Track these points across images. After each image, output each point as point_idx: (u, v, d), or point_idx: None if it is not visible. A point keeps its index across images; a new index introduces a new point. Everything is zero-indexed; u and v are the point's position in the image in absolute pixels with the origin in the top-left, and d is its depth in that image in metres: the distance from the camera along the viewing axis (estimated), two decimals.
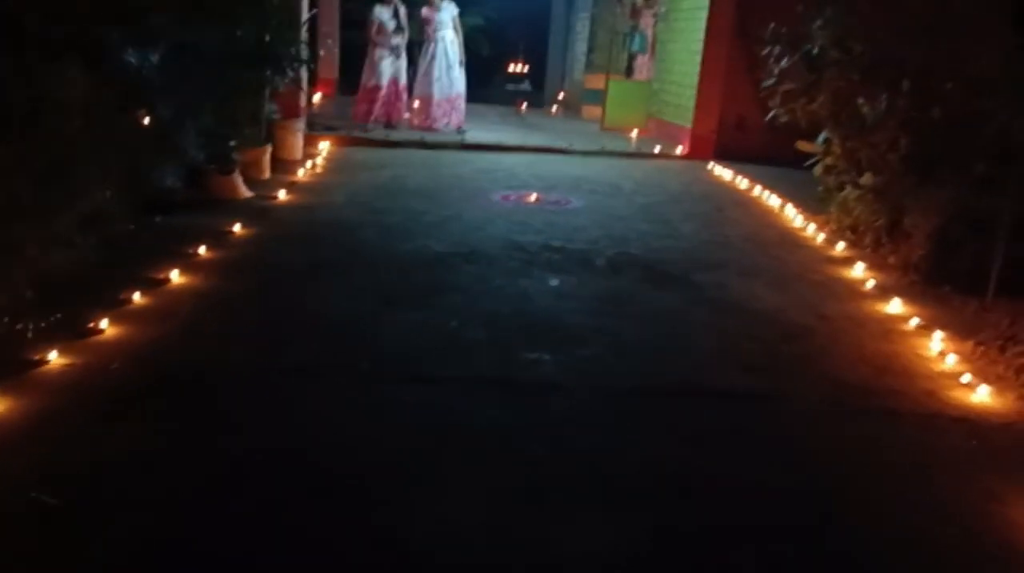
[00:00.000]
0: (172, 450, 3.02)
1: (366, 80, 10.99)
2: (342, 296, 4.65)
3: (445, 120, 11.21)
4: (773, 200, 8.01)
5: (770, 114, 7.40)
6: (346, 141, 9.97)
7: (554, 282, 5.10)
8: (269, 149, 7.88)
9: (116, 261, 4.97)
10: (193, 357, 3.76)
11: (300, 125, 8.96)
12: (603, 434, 3.31)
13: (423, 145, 10.15)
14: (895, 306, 4.96)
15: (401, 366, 3.80)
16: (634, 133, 11.97)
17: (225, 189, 6.86)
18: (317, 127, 10.32)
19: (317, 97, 13.21)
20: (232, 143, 7.17)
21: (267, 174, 7.88)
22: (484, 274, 5.19)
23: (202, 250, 5.31)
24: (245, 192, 7.01)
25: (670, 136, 11.34)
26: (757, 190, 8.48)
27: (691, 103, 10.65)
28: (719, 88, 10.36)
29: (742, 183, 8.92)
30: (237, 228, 5.90)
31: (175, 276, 4.78)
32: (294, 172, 8.09)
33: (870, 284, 5.41)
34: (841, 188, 6.70)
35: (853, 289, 5.38)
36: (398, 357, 3.90)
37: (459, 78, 11.26)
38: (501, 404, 3.48)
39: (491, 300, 4.72)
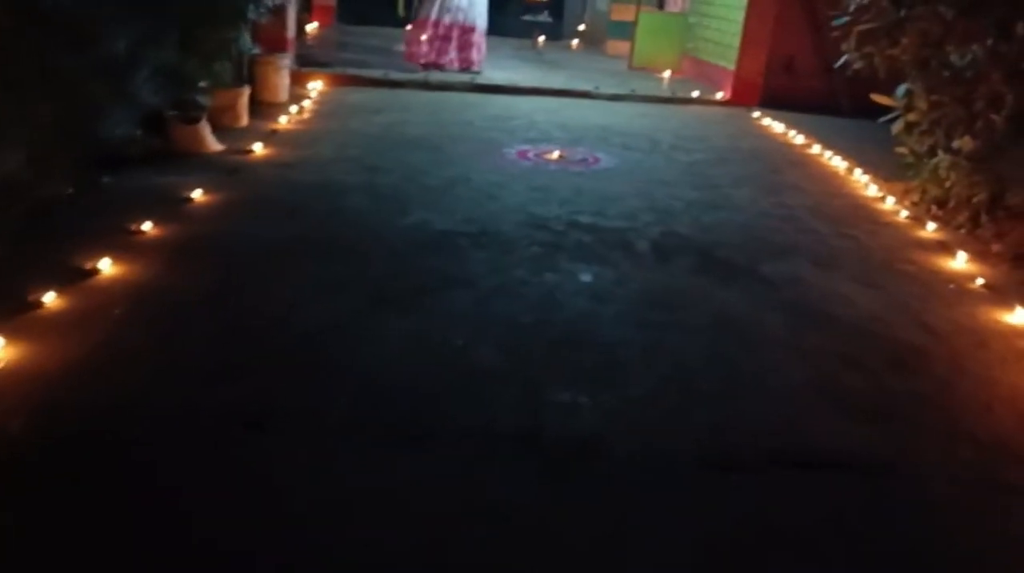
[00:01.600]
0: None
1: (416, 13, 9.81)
2: (317, 294, 3.61)
3: (459, 56, 9.95)
4: (836, 161, 6.84)
5: (841, 59, 6.19)
6: (340, 79, 8.78)
7: (587, 277, 4.03)
8: (247, 91, 6.73)
9: (37, 240, 3.94)
10: (114, 400, 2.74)
11: (285, 62, 7.78)
12: (672, 548, 2.30)
13: (426, 86, 8.95)
14: (1020, 316, 3.89)
15: (385, 411, 2.78)
16: (666, 74, 10.71)
17: (190, 141, 5.76)
18: (309, 63, 9.11)
19: (312, 27, 11.93)
20: (201, 84, 6.04)
21: (244, 121, 6.75)
22: (498, 263, 4.12)
23: (148, 226, 4.26)
24: (214, 145, 5.90)
25: (709, 78, 10.09)
26: (816, 148, 7.29)
27: (735, 41, 9.37)
28: (769, 24, 9.07)
29: (796, 138, 7.73)
30: (198, 194, 4.82)
31: (106, 266, 3.73)
32: (277, 118, 6.94)
33: (978, 282, 4.33)
34: (932, 153, 5.54)
35: (959, 288, 4.30)
36: (382, 396, 2.86)
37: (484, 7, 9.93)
38: (522, 482, 2.47)
39: (507, 302, 3.66)
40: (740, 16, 9.25)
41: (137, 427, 2.60)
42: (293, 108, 7.32)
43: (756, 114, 8.92)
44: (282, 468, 2.47)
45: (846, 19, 6.08)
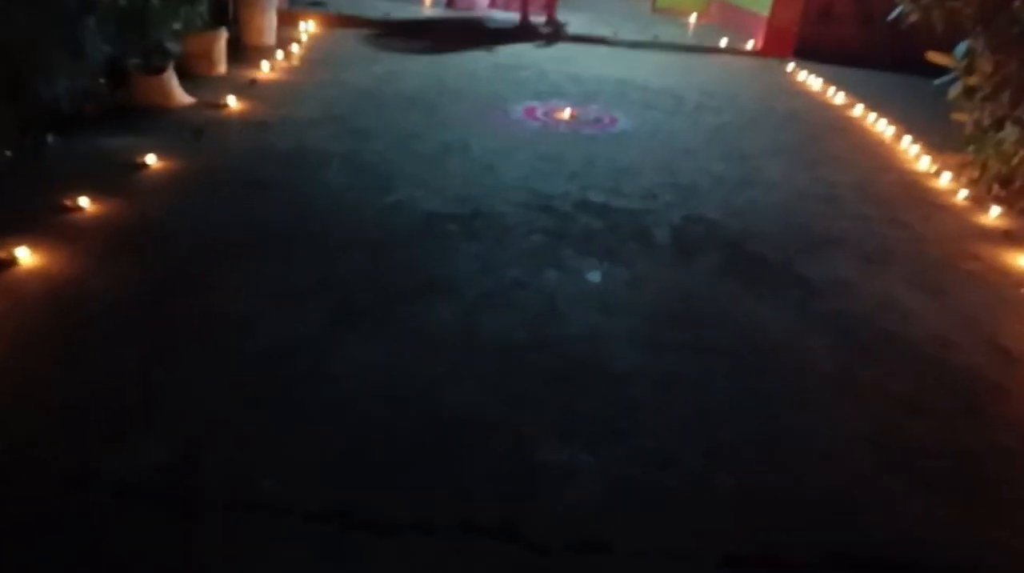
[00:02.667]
0: None
1: None
2: (271, 306, 3.01)
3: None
4: (882, 127, 6.10)
5: (895, 11, 5.41)
6: (336, 21, 8.03)
7: (595, 277, 3.41)
8: (224, 35, 6.03)
9: None
10: None
11: (273, 1, 7.03)
12: None
13: (432, 33, 8.17)
14: None
15: (330, 487, 2.20)
16: (692, 18, 9.88)
17: (154, 94, 5.10)
18: (301, 2, 8.34)
19: None
20: (175, 27, 5.36)
21: (222, 68, 6.06)
22: (490, 258, 3.50)
23: (85, 202, 3.65)
24: (182, 98, 5.24)
25: (738, 25, 9.24)
26: (858, 109, 6.54)
27: None
28: None
29: (836, 96, 6.96)
30: (152, 160, 4.20)
31: (23, 255, 3.15)
32: (259, 65, 6.25)
33: None
34: (998, 125, 4.82)
35: None
36: (328, 463, 2.29)
37: None
38: None
39: (498, 316, 3.05)
40: None
41: (11, 499, 2.05)
42: (279, 54, 6.61)
43: (790, 67, 8.12)
44: (201, 561, 1.91)
45: None
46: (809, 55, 8.36)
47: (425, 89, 6.16)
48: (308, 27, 7.80)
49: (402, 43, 7.64)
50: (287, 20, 7.75)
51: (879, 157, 5.46)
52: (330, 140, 4.81)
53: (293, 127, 5.01)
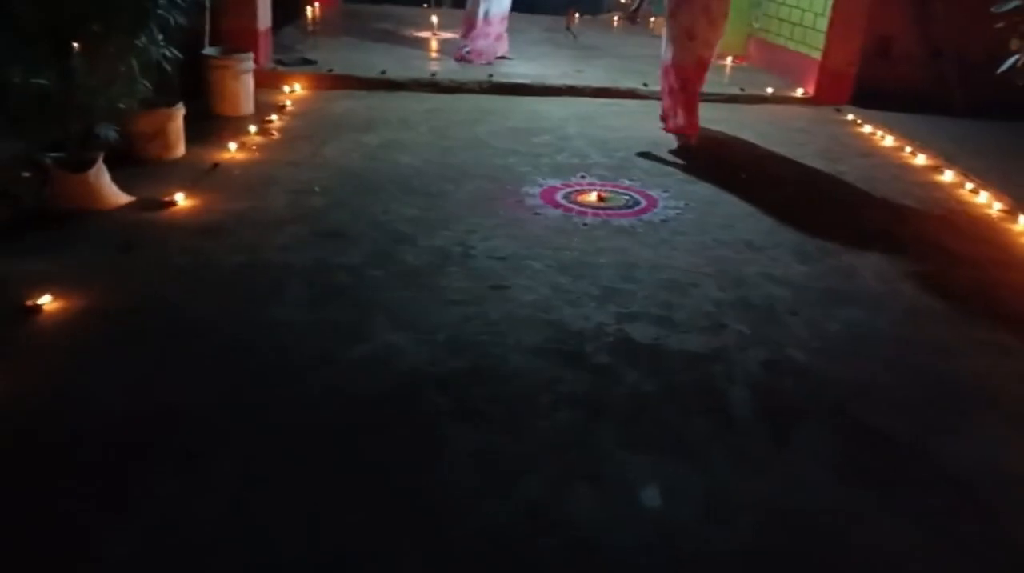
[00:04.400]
0: None
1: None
2: None
3: (498, 49, 8.22)
4: (982, 197, 4.96)
5: (1008, 61, 4.30)
6: (325, 81, 7.04)
7: (651, 496, 2.29)
8: (180, 111, 5.03)
9: None
10: None
11: (246, 64, 6.05)
12: None
13: (434, 86, 7.16)
14: None
15: None
16: (728, 60, 8.81)
17: (78, 194, 4.09)
18: (291, 61, 7.38)
19: (312, 10, 10.21)
20: (119, 106, 4.36)
21: (179, 150, 5.06)
22: (494, 461, 2.39)
23: None
24: (116, 197, 4.22)
25: (783, 68, 8.15)
26: (947, 175, 5.39)
27: (818, 21, 7.42)
28: None
29: (915, 156, 5.82)
30: (45, 300, 3.16)
31: None
32: (227, 143, 5.24)
33: None
34: None
35: None
36: None
37: None
38: None
39: None
40: None
41: None
42: (251, 128, 5.60)
43: (850, 116, 7.01)
44: None
45: (1015, 3, 4.19)
46: (868, 101, 7.24)
47: (424, 166, 5.12)
48: (294, 90, 6.82)
49: (401, 106, 6.63)
50: (269, 82, 6.78)
51: (994, 245, 4.31)
52: (294, 249, 3.76)
53: (251, 230, 3.96)
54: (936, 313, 3.48)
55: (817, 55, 7.42)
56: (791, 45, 7.97)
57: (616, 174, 5.17)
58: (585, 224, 4.30)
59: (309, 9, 10.36)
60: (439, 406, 2.62)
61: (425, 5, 12.38)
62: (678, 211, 4.56)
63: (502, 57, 8.13)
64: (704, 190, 4.94)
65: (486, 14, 7.95)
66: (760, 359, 3.00)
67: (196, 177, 4.65)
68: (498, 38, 8.18)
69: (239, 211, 4.21)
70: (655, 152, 5.68)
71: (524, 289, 3.48)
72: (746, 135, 6.27)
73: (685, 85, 5.61)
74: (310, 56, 7.59)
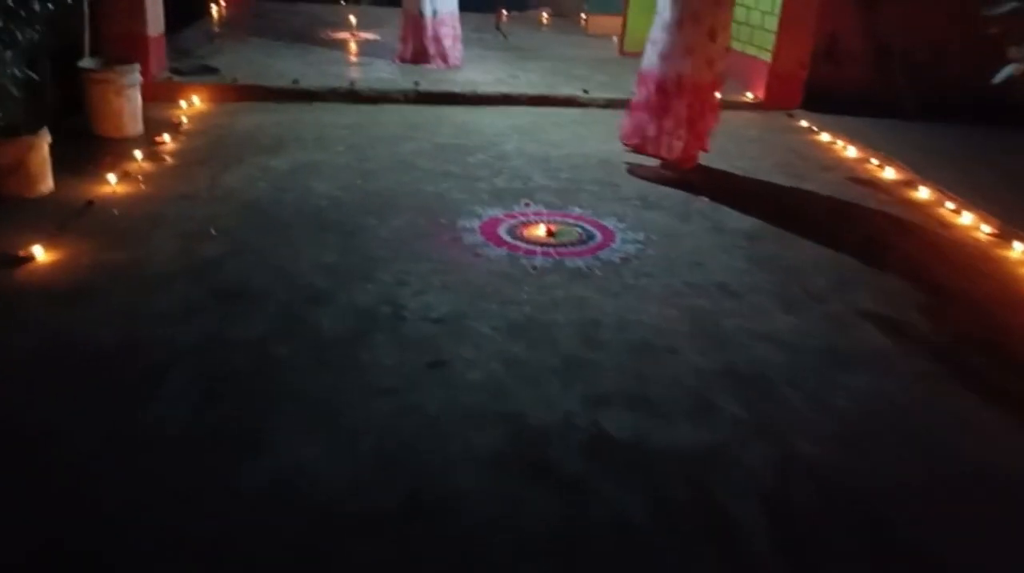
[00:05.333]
0: None
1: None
2: None
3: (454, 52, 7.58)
4: (964, 217, 4.52)
5: (1003, 72, 3.84)
6: (230, 93, 6.23)
7: None
8: (43, 138, 4.20)
9: None
10: None
11: (131, 77, 5.22)
12: None
13: (353, 96, 6.43)
14: None
15: None
16: None
17: None
18: (189, 70, 6.53)
19: (216, 9, 9.33)
20: None
21: (46, 185, 4.24)
22: None
23: None
24: None
25: (730, 69, 7.64)
26: (922, 191, 4.95)
27: (767, 19, 6.96)
28: None
29: (883, 170, 5.37)
30: None
31: None
32: (107, 171, 4.42)
33: None
34: None
35: None
36: None
37: None
38: None
39: None
40: None
41: None
42: (137, 153, 4.78)
43: (803, 122, 6.56)
44: None
45: (1011, 6, 3.73)
46: (817, 104, 6.82)
47: (342, 195, 4.41)
48: (192, 103, 6.00)
49: (316, 120, 5.88)
50: (163, 95, 5.95)
51: (993, 279, 3.85)
52: (180, 319, 3.02)
53: (126, 293, 3.21)
54: (948, 375, 2.96)
55: (766, 57, 6.95)
56: (737, 46, 7.46)
57: (564, 200, 4.56)
58: (535, 267, 3.67)
59: (214, 8, 9.47)
60: (363, 568, 1.96)
61: (343, 2, 11.56)
62: (638, 246, 3.97)
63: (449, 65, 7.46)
64: (663, 218, 4.37)
65: (434, 13, 7.27)
66: (765, 457, 2.42)
67: (63, 219, 3.86)
68: (455, 39, 7.51)
69: (113, 265, 3.44)
70: (605, 172, 5.08)
71: (469, 364, 2.83)
72: None
73: (703, 104, 4.90)
74: (212, 63, 6.77)
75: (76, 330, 2.91)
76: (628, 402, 2.65)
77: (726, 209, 4.57)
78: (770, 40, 6.87)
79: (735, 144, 5.83)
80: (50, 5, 4.23)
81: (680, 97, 4.88)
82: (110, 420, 2.43)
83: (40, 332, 2.90)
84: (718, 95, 5.07)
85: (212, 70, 6.58)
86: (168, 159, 4.86)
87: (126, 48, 5.67)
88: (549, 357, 2.89)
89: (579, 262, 3.75)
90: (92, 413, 2.46)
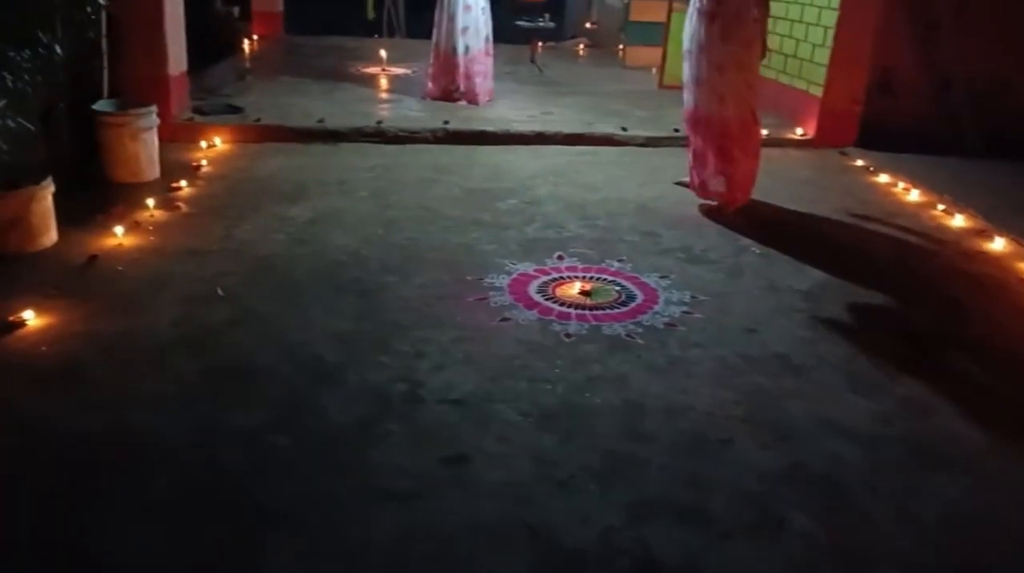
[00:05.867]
0: None
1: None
2: None
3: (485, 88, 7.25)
4: None
5: None
6: (252, 134, 5.99)
7: None
8: (46, 190, 3.94)
9: None
10: None
11: (146, 120, 4.99)
12: None
13: (380, 136, 6.15)
14: None
15: None
16: None
17: None
18: (212, 109, 6.32)
19: (248, 44, 9.19)
20: None
21: (48, 238, 3.98)
22: None
23: None
24: None
25: (773, 104, 7.24)
26: (999, 242, 4.49)
27: (817, 52, 6.55)
28: (871, 29, 6.27)
29: (953, 217, 4.91)
30: None
31: None
32: (116, 222, 4.16)
33: None
34: None
35: None
36: None
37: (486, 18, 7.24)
38: None
39: None
40: (826, 17, 6.43)
41: None
42: (150, 201, 4.53)
43: (859, 161, 6.13)
44: None
45: None
46: (872, 141, 6.39)
47: (361, 249, 4.09)
48: (213, 144, 5.76)
49: (340, 163, 5.61)
50: (185, 136, 5.73)
51: None
52: (171, 405, 2.70)
53: (117, 371, 2.90)
54: None
55: (816, 91, 6.54)
56: (783, 79, 7.09)
57: (600, 251, 4.20)
58: (569, 335, 3.30)
59: (246, 43, 9.34)
60: None
61: (376, 36, 11.40)
62: (684, 309, 3.58)
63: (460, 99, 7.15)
64: (710, 274, 3.98)
65: (467, 50, 6.99)
66: None
67: (62, 278, 3.59)
68: (485, 76, 7.20)
69: (108, 336, 3.14)
70: (644, 219, 4.71)
71: (492, 462, 2.46)
72: None
73: (723, 139, 4.70)
74: (237, 102, 6.55)
75: (55, 419, 2.60)
76: (677, 514, 2.25)
77: (780, 263, 4.17)
78: (821, 74, 6.46)
79: (785, 186, 5.43)
80: (58, 49, 4.01)
81: (695, 129, 4.81)
82: (71, 535, 2.10)
83: (17, 418, 2.60)
84: (757, 135, 4.77)
85: (236, 109, 6.36)
86: (182, 206, 4.59)
87: (145, 89, 5.45)
88: (585, 454, 2.51)
89: (618, 328, 3.37)
90: (52, 526, 2.13)
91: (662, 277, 3.91)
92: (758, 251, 4.29)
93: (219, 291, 3.55)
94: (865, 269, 4.12)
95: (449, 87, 7.09)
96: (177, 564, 2.01)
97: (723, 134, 4.67)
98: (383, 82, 8.08)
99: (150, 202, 4.52)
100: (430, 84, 7.24)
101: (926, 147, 6.23)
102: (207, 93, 6.80)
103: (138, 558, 2.02)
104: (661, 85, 8.35)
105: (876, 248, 4.44)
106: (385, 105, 7.04)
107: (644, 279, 3.89)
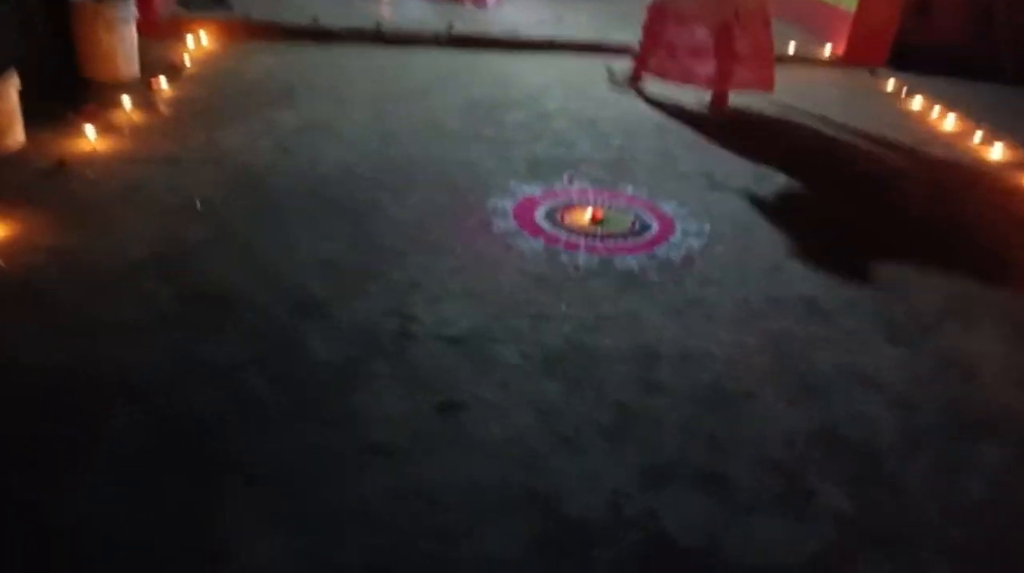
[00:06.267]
0: None
1: None
2: None
3: None
4: None
5: None
6: (240, 31, 5.57)
7: None
8: (11, 83, 3.59)
9: None
10: None
11: (123, 10, 4.57)
12: None
13: (379, 38, 5.72)
14: None
15: None
16: None
17: None
18: (199, 3, 5.86)
19: None
20: None
21: (14, 138, 3.66)
22: None
23: None
24: None
25: (798, 16, 6.78)
26: None
27: None
28: None
29: (991, 146, 4.57)
30: None
31: None
32: (91, 123, 3.82)
33: None
34: None
35: None
36: None
37: None
38: None
39: None
40: None
41: None
42: (126, 100, 4.17)
43: (890, 83, 5.73)
44: None
45: None
46: (903, 62, 5.98)
47: (355, 163, 3.78)
48: (200, 42, 5.35)
49: (334, 65, 5.21)
50: (170, 32, 5.31)
51: None
52: (140, 338, 2.44)
53: (78, 294, 2.63)
54: None
55: (849, 5, 6.07)
56: None
57: (614, 174, 3.89)
58: (577, 267, 3.03)
59: None
60: None
61: None
62: (703, 240, 3.30)
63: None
64: (731, 202, 3.68)
65: None
66: None
67: (26, 185, 3.29)
68: None
69: (71, 251, 2.86)
70: (661, 139, 4.38)
71: (490, 411, 2.22)
72: (770, 111, 4.97)
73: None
74: None
75: (10, 346, 2.35)
76: (695, 480, 2.03)
77: (805, 192, 3.86)
78: None
79: (812, 108, 5.07)
80: None
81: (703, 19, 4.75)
82: (17, 491, 1.87)
83: None
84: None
85: (224, 4, 5.89)
86: (162, 109, 4.25)
87: None
88: (593, 405, 2.27)
89: (631, 261, 3.10)
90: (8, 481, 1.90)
91: (680, 205, 3.62)
92: (782, 181, 3.98)
93: (197, 205, 3.25)
94: (897, 206, 3.81)
95: None
96: (130, 523, 1.78)
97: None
98: None
99: (126, 102, 4.17)
100: None
101: (960, 71, 5.85)
102: None
103: (89, 516, 1.80)
104: None
105: (909, 181, 4.12)
106: (386, 4, 6.56)
107: (660, 207, 3.58)
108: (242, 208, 3.28)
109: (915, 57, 5.97)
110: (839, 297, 2.95)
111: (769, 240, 3.36)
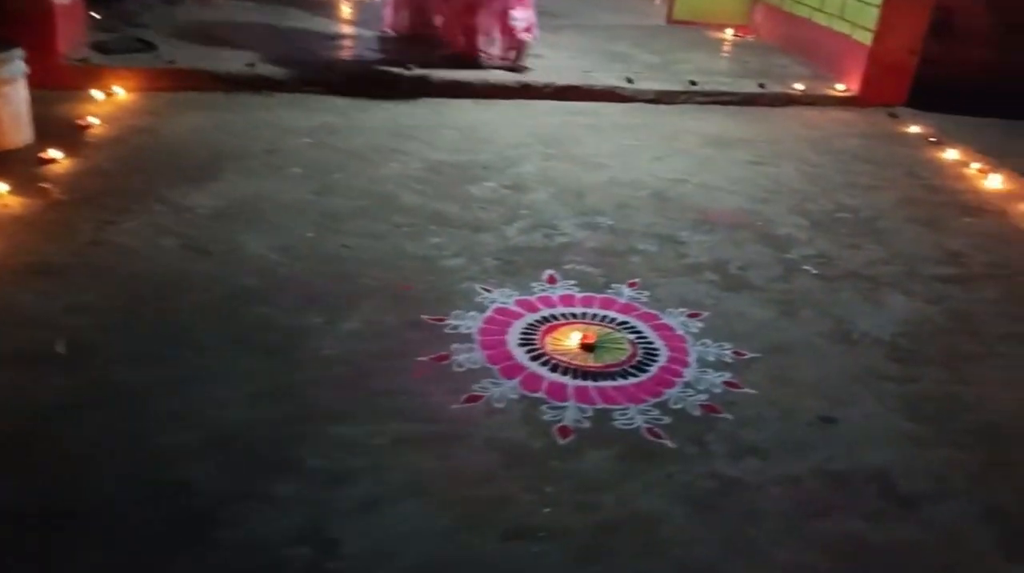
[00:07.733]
0: None
1: None
2: None
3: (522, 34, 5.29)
4: None
5: None
6: (164, 79, 4.74)
7: None
8: None
9: None
10: None
11: (9, 68, 3.74)
12: None
13: (326, 86, 4.92)
14: None
15: None
16: (728, 33, 6.76)
17: None
18: (117, 46, 5.03)
19: None
20: None
21: None
22: None
23: None
24: None
25: (805, 47, 6.06)
26: None
27: None
28: None
29: None
30: None
31: None
32: None
33: None
34: None
35: None
36: None
37: None
38: None
39: None
40: None
41: None
42: (3, 185, 3.35)
43: (915, 128, 5.02)
44: None
45: None
46: (925, 98, 5.27)
47: (281, 263, 2.98)
48: (112, 94, 4.53)
49: (273, 122, 4.41)
50: (75, 81, 4.50)
51: None
52: None
53: None
54: None
55: (863, 37, 5.35)
56: (820, 19, 5.88)
57: (606, 269, 3.12)
58: (565, 431, 2.24)
59: None
60: None
61: None
62: (728, 375, 2.53)
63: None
64: (757, 310, 2.91)
65: None
66: None
67: None
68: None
69: None
70: (662, 213, 3.62)
71: None
72: (787, 172, 4.22)
73: None
74: (150, 37, 5.25)
75: None
76: None
77: (845, 288, 3.11)
78: (871, 16, 5.26)
79: (831, 163, 4.35)
80: None
81: None
82: None
83: None
84: None
85: (148, 46, 5.08)
86: (50, 189, 3.44)
87: (28, 22, 4.23)
88: None
89: (635, 416, 2.32)
90: None
91: (691, 315, 2.85)
92: (814, 271, 3.22)
93: (57, 347, 2.44)
94: (964, 308, 3.06)
95: (416, 20, 5.78)
96: None
97: None
98: (344, 9, 6.75)
99: (2, 186, 3.35)
100: (389, 12, 5.92)
101: (989, 105, 5.14)
102: (121, 23, 5.52)
103: None
104: (670, 20, 7.10)
105: (970, 274, 3.35)
106: (337, 42, 5.77)
107: (666, 319, 2.82)
108: (125, 341, 2.49)
109: (937, 92, 5.25)
110: (925, 471, 2.18)
111: (814, 371, 2.59)
